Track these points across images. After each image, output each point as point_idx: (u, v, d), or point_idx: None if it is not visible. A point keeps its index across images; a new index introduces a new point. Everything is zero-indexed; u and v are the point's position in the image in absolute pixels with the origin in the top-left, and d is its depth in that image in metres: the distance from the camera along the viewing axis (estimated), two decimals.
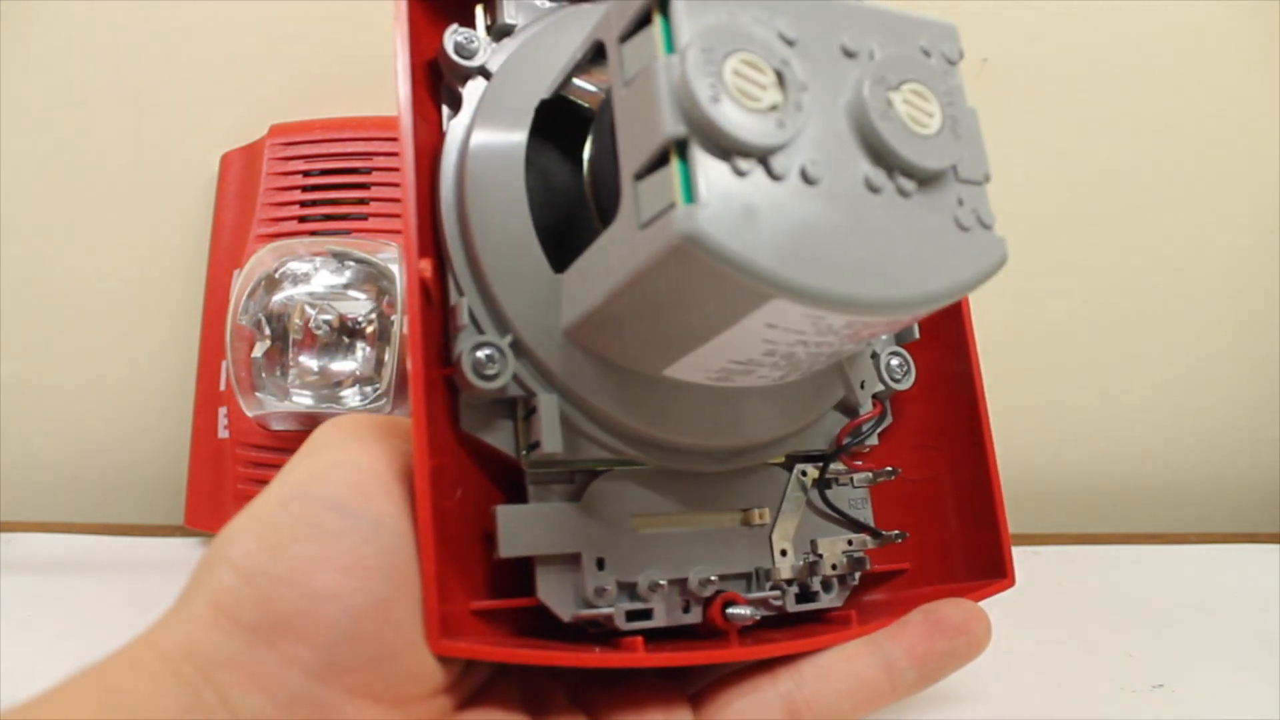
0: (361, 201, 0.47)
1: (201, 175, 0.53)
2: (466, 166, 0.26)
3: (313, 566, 0.22)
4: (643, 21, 0.21)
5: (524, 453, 0.26)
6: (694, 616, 0.27)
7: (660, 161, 0.20)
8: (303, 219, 0.47)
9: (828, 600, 0.29)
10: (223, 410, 0.48)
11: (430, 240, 0.26)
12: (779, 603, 0.29)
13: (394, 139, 0.47)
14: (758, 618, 0.27)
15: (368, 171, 0.47)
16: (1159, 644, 0.37)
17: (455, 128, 0.27)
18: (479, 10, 0.30)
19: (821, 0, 0.22)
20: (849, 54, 0.22)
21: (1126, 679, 0.34)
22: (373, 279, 0.45)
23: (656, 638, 0.27)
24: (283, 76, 0.54)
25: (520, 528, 0.25)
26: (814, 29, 0.22)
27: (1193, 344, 0.57)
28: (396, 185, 0.47)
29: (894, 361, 0.31)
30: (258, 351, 0.44)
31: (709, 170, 0.19)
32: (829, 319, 0.21)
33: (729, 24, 0.20)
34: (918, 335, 0.31)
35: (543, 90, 0.27)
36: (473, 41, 0.28)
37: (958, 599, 0.28)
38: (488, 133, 0.27)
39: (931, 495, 0.32)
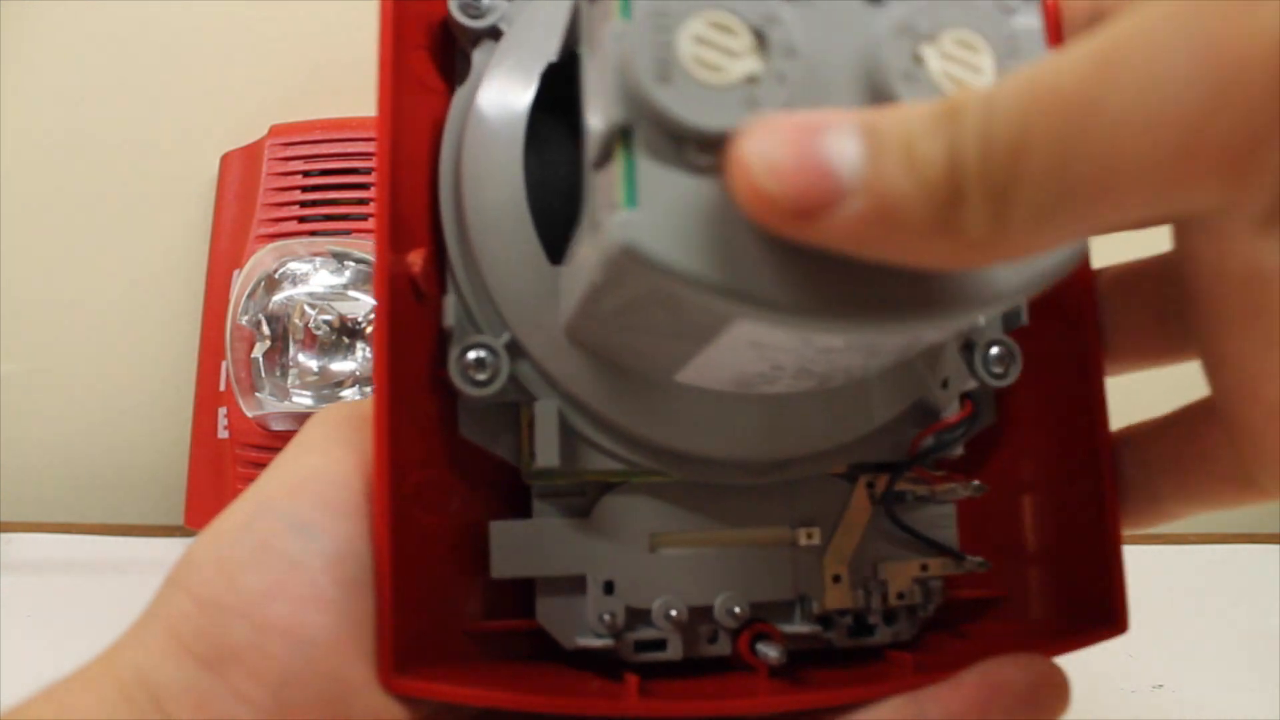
0: (361, 201, 0.47)
1: (201, 175, 0.53)
2: (465, 145, 0.23)
3: (266, 597, 0.20)
4: None
5: (527, 464, 0.23)
6: (722, 648, 0.24)
7: (609, 151, 0.16)
8: (303, 219, 0.47)
9: (889, 634, 0.24)
10: (223, 410, 0.48)
11: (426, 228, 0.23)
12: (827, 636, 0.24)
13: None
14: (783, 660, 0.23)
15: (368, 171, 0.48)
16: (1159, 644, 0.37)
17: (458, 99, 0.24)
18: None
19: None
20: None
21: (1127, 679, 0.34)
22: (373, 279, 0.45)
23: (681, 671, 0.23)
24: (283, 76, 0.54)
25: (518, 546, 0.23)
26: None
27: None
28: None
29: (994, 351, 0.24)
30: (258, 352, 0.44)
31: (653, 167, 0.16)
32: (821, 339, 0.18)
33: None
34: (1026, 320, 0.25)
35: (552, 52, 0.23)
36: (482, 1, 0.24)
37: (1030, 656, 0.22)
38: (488, 104, 0.23)
39: (1031, 514, 0.26)
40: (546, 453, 0.22)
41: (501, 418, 0.23)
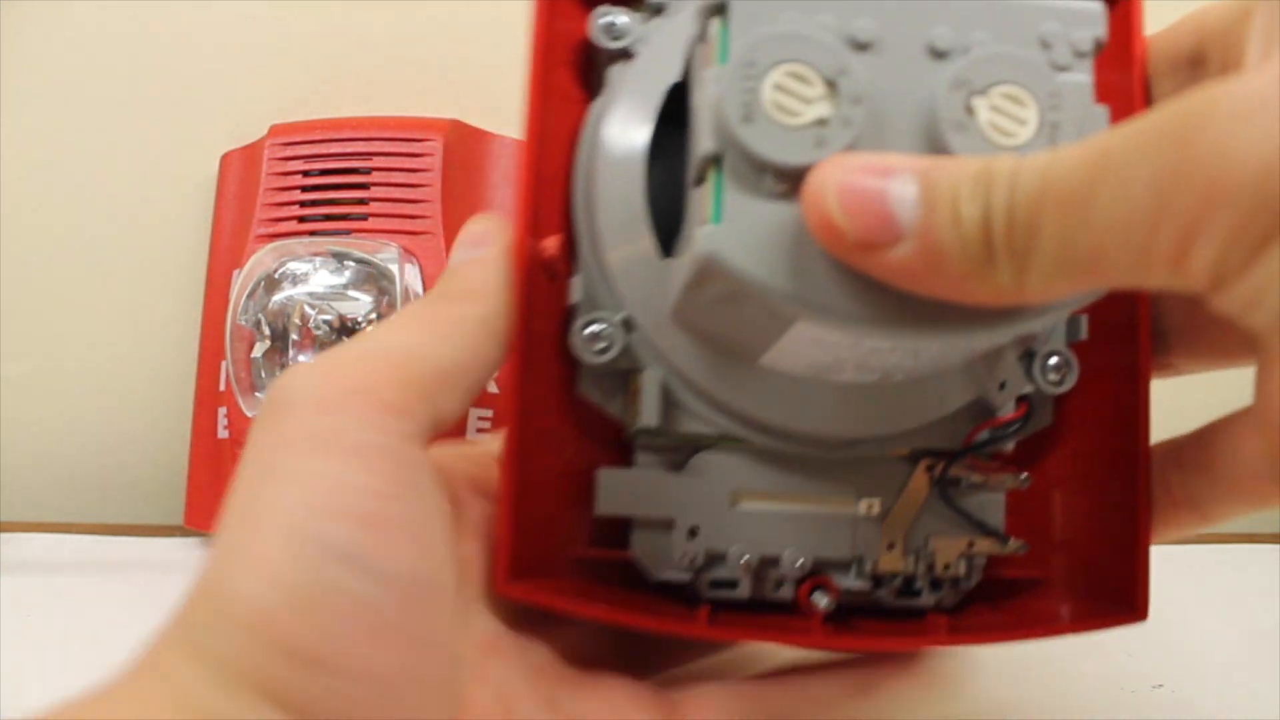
0: (361, 201, 0.47)
1: (201, 175, 0.54)
2: (596, 150, 0.27)
3: (339, 637, 0.20)
4: (708, 22, 0.21)
5: (632, 422, 0.27)
6: (785, 594, 0.27)
7: (703, 174, 0.20)
8: (302, 219, 0.47)
9: (933, 599, 0.28)
10: (222, 410, 0.48)
11: (561, 218, 0.27)
12: (877, 594, 0.28)
13: (394, 139, 0.48)
14: (832, 608, 0.27)
15: (368, 171, 0.47)
16: (1159, 644, 0.37)
17: (594, 109, 0.28)
18: None
19: None
20: (938, 54, 0.20)
21: (1126, 679, 0.34)
22: (372, 279, 0.45)
23: (746, 609, 0.28)
24: (283, 76, 0.54)
25: (619, 490, 0.27)
26: (901, 27, 0.20)
27: None
28: (396, 185, 0.47)
29: (1052, 361, 0.27)
30: (258, 351, 0.44)
31: (737, 191, 0.20)
32: (868, 340, 0.21)
33: (784, 31, 0.20)
34: (1085, 335, 0.27)
35: (675, 73, 0.26)
36: (620, 22, 0.28)
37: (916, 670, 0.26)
38: (618, 116, 0.27)
39: (1073, 507, 0.29)
40: (649, 414, 0.26)
41: (614, 382, 0.27)
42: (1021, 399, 0.27)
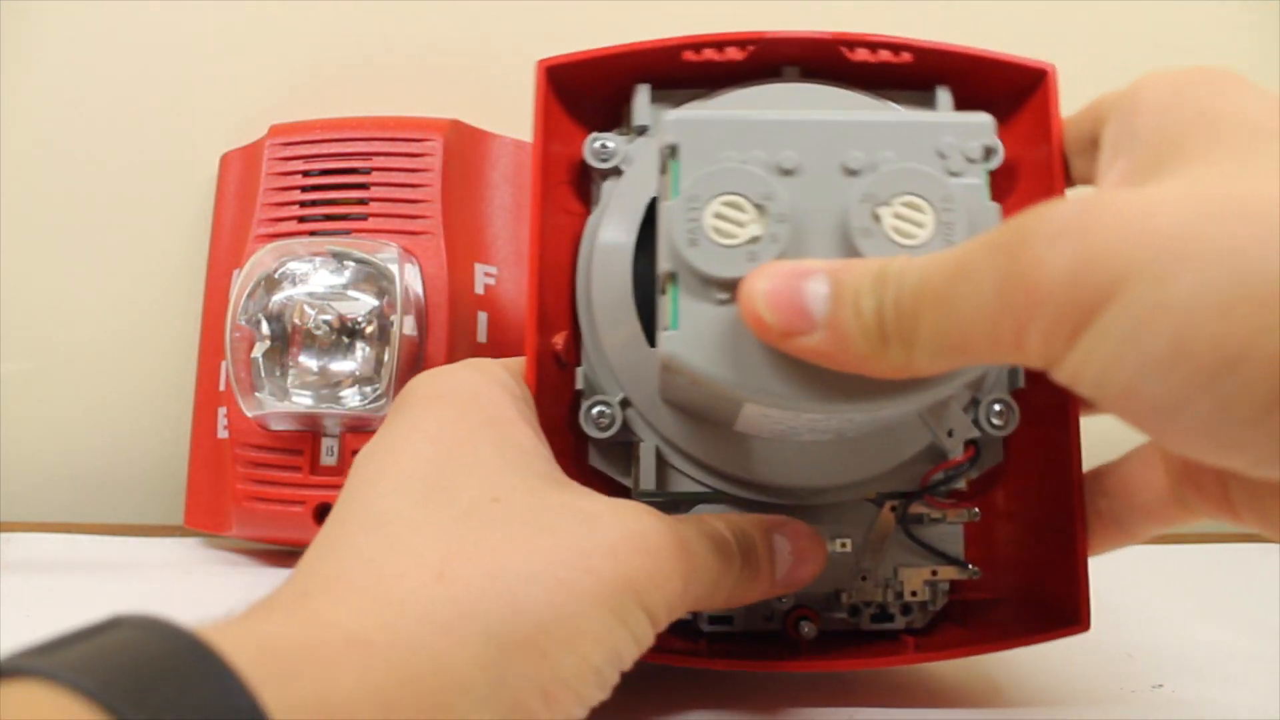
0: (361, 201, 0.47)
1: (201, 175, 0.54)
2: (593, 256, 0.32)
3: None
4: (666, 161, 0.25)
5: (636, 485, 0.31)
6: (775, 624, 0.32)
7: (663, 287, 0.24)
8: (302, 219, 0.47)
9: (904, 621, 0.32)
10: (222, 410, 0.48)
11: (567, 316, 0.32)
12: (854, 620, 0.32)
13: (394, 139, 0.48)
14: (815, 635, 0.31)
15: (367, 171, 0.47)
16: (1158, 644, 0.37)
17: (591, 220, 0.33)
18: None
19: (840, 118, 0.25)
20: (851, 172, 0.24)
21: (1126, 679, 0.34)
22: (372, 279, 0.45)
23: (740, 639, 0.32)
24: (283, 76, 0.54)
25: None
26: (819, 154, 0.24)
27: None
28: (396, 185, 0.47)
29: (996, 407, 0.31)
30: (257, 351, 0.44)
31: (688, 302, 0.24)
32: (806, 416, 0.25)
33: (721, 169, 0.24)
34: (1023, 383, 0.32)
35: (654, 189, 0.31)
36: (609, 146, 0.32)
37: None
38: (609, 227, 0.32)
39: (1022, 532, 0.33)
40: (646, 479, 0.30)
41: (620, 452, 0.32)
42: (970, 442, 0.31)
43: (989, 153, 0.25)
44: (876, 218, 0.24)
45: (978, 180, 0.25)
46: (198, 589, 0.43)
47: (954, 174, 0.24)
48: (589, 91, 0.33)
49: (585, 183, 0.34)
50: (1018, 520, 0.33)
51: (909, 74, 0.32)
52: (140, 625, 0.19)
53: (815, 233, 0.24)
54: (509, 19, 0.54)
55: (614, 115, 0.34)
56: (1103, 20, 0.55)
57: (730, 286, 0.23)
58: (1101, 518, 0.30)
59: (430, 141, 0.47)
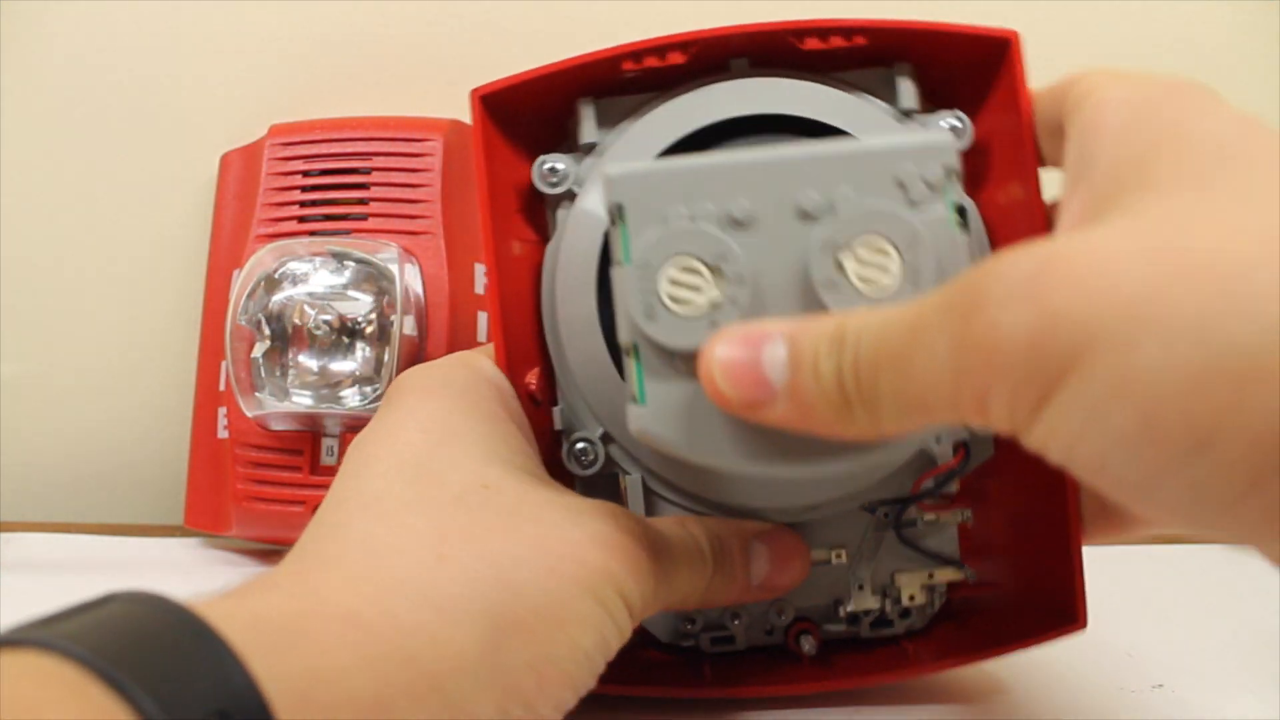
0: (361, 201, 0.47)
1: (201, 175, 0.54)
2: (556, 292, 0.30)
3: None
4: (613, 219, 0.24)
5: None
6: (776, 639, 0.32)
7: (627, 352, 0.24)
8: (302, 219, 0.47)
9: (904, 626, 0.32)
10: (222, 410, 0.48)
11: (537, 352, 0.31)
12: (854, 629, 0.32)
13: (394, 139, 0.48)
14: (815, 651, 0.31)
15: (367, 171, 0.47)
16: (1159, 644, 0.37)
17: (549, 252, 0.31)
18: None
19: (790, 156, 0.23)
20: (808, 217, 0.23)
21: (1126, 679, 0.34)
22: (372, 279, 0.45)
23: (742, 655, 0.32)
24: (283, 76, 0.54)
25: None
26: (771, 199, 0.23)
27: None
28: (396, 185, 0.47)
29: None
30: (257, 351, 0.44)
31: (653, 376, 0.23)
32: (780, 478, 0.25)
33: (671, 232, 0.23)
34: None
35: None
36: (559, 168, 0.30)
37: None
38: (568, 259, 0.30)
39: (1019, 530, 0.33)
40: (634, 512, 0.29)
41: (605, 484, 0.31)
42: (959, 444, 0.30)
43: (950, 171, 0.23)
44: (839, 266, 0.22)
45: (942, 210, 0.23)
46: (197, 589, 0.43)
47: (915, 203, 0.23)
48: (530, 113, 0.31)
49: (539, 207, 0.32)
50: (1011, 515, 0.33)
51: (865, 54, 0.30)
52: (133, 599, 0.19)
53: (776, 289, 0.23)
54: (509, 19, 0.54)
55: (559, 131, 0.32)
56: (1104, 19, 0.55)
57: (693, 357, 0.22)
58: (1098, 512, 0.29)
59: (430, 141, 0.47)
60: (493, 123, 0.30)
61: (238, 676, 0.18)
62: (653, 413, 0.23)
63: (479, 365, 0.29)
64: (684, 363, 0.23)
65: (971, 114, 0.30)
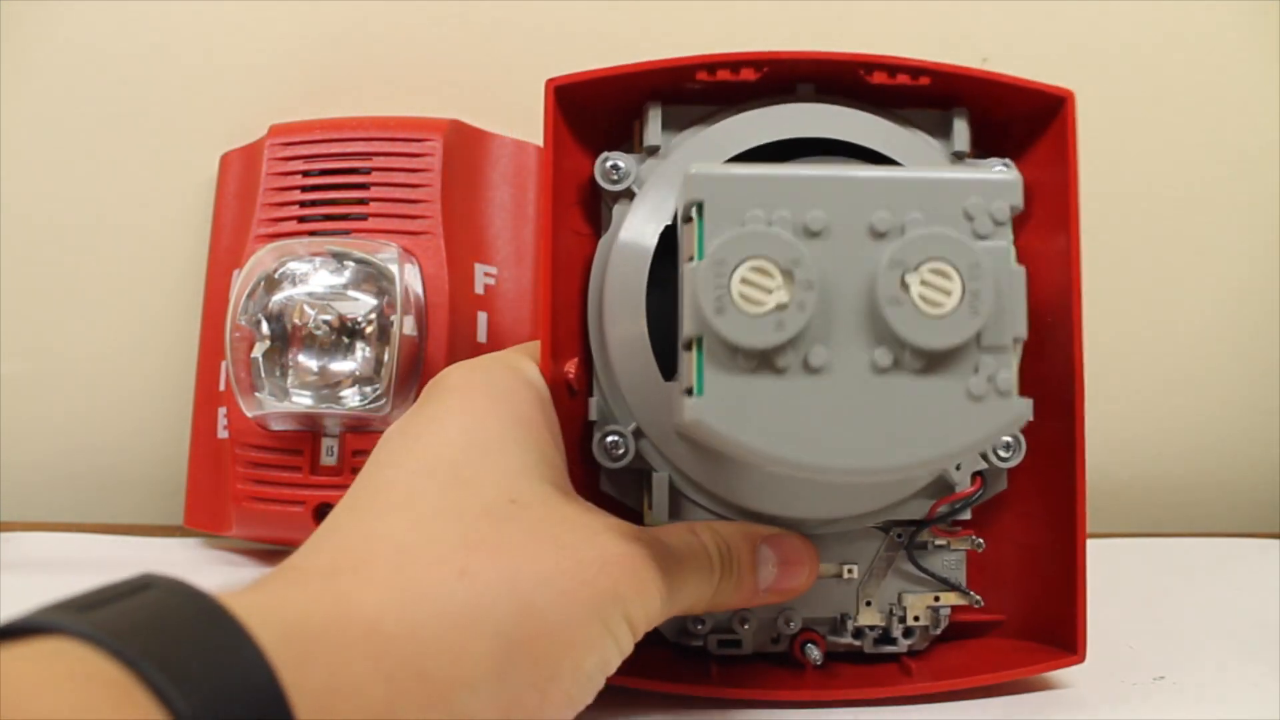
0: (361, 201, 0.47)
1: (201, 175, 0.54)
2: (605, 285, 0.31)
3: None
4: (690, 215, 0.24)
5: (648, 514, 0.32)
6: (781, 647, 0.33)
7: (688, 346, 0.24)
8: (302, 219, 0.47)
9: (906, 645, 0.33)
10: (222, 410, 0.48)
11: (578, 343, 0.32)
12: (858, 643, 0.33)
13: (394, 139, 0.48)
14: (820, 661, 0.32)
15: (367, 171, 0.47)
16: (1160, 636, 0.37)
17: (602, 244, 0.32)
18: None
19: (866, 175, 0.24)
20: (878, 235, 0.24)
21: (1128, 671, 0.34)
22: (372, 279, 0.45)
23: (748, 661, 0.33)
24: (283, 76, 0.54)
25: None
26: (845, 214, 0.24)
27: (1195, 345, 0.57)
28: (396, 185, 0.47)
29: (1004, 440, 0.32)
30: (258, 351, 0.44)
31: (713, 369, 0.23)
32: (826, 477, 0.25)
33: (748, 233, 0.23)
34: (1031, 416, 0.30)
35: (668, 216, 0.31)
36: (620, 166, 0.32)
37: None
38: (622, 256, 0.31)
39: (1027, 561, 0.34)
40: (660, 510, 0.31)
41: (629, 479, 0.32)
42: (976, 474, 0.32)
43: (1016, 211, 0.25)
44: (904, 284, 0.23)
45: (1004, 243, 0.24)
46: None
47: (980, 236, 0.24)
48: (598, 109, 0.33)
49: (595, 202, 0.33)
50: (1019, 546, 0.34)
51: (925, 94, 0.32)
52: (171, 589, 0.20)
53: (842, 300, 0.24)
54: (510, 19, 0.54)
55: (622, 130, 0.34)
56: (1103, 21, 0.55)
57: (757, 355, 0.23)
58: None
59: (430, 141, 0.47)
60: (562, 114, 0.31)
61: (271, 690, 0.18)
62: (709, 404, 0.23)
63: (521, 367, 0.30)
64: (745, 359, 0.23)
65: (1018, 159, 0.33)
